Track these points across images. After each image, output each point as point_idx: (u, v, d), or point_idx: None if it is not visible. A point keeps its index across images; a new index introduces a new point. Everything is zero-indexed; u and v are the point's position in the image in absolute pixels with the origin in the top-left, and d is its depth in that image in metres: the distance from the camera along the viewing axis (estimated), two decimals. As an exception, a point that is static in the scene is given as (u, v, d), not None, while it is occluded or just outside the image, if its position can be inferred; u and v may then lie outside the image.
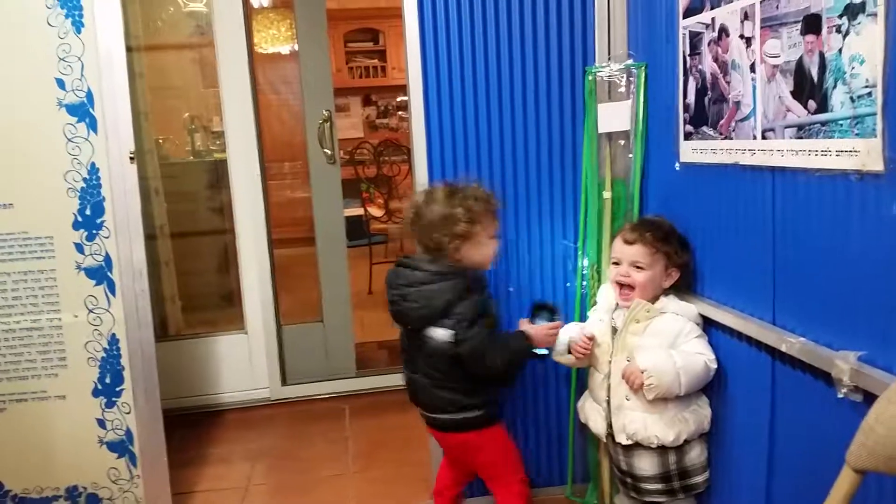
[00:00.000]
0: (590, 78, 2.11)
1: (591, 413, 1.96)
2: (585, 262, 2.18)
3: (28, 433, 2.19)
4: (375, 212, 5.47)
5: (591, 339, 1.91)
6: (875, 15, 1.15)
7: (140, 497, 2.26)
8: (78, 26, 2.06)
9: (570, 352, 1.95)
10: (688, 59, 1.77)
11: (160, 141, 3.59)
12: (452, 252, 1.81)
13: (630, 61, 2.07)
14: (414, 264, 1.85)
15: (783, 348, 1.46)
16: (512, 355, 1.85)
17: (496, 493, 1.99)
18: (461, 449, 1.98)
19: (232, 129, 3.21)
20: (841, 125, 1.26)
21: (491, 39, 2.11)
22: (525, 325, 1.93)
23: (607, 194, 2.13)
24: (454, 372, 1.83)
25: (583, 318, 2.17)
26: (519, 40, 2.12)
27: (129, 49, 2.14)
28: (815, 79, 1.32)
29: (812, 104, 1.33)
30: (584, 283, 2.19)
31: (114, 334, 2.19)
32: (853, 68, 1.22)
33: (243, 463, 2.77)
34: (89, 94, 2.08)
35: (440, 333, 1.80)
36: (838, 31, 1.24)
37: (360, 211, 5.49)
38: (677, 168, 1.88)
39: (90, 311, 2.17)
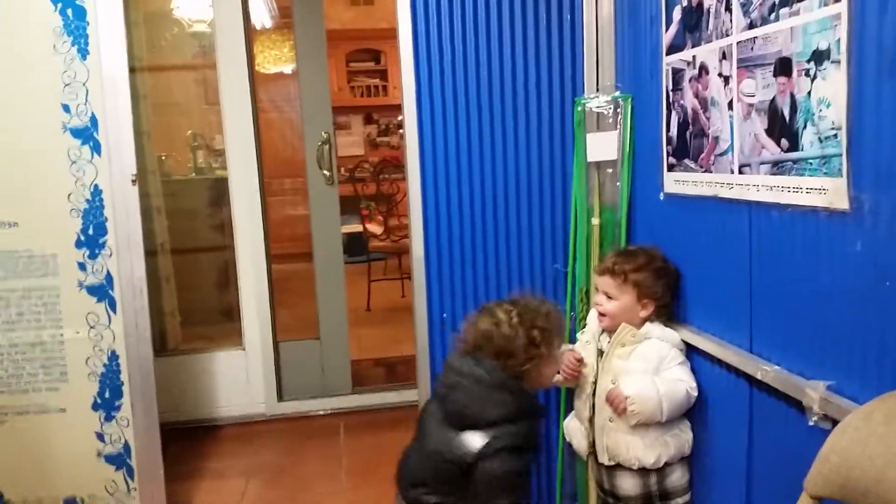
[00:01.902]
0: (579, 108, 2.18)
1: (575, 432, 2.02)
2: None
3: (29, 445, 2.24)
4: (375, 229, 5.53)
5: (580, 360, 1.97)
6: (839, 62, 1.22)
7: (137, 510, 2.31)
8: (83, 53, 2.12)
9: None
10: (671, 93, 1.84)
11: (163, 158, 3.65)
12: (527, 376, 1.67)
13: (617, 93, 2.14)
14: (481, 361, 1.66)
15: (759, 376, 1.51)
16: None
17: None
18: None
19: (233, 147, 3.28)
20: (811, 164, 1.32)
21: (483, 69, 2.18)
22: None
23: (596, 221, 2.19)
24: (454, 481, 1.66)
25: (572, 339, 2.22)
26: (510, 71, 2.18)
27: (132, 70, 2.21)
28: (787, 118, 1.38)
29: (784, 142, 1.39)
30: (574, 306, 2.25)
31: (114, 350, 2.24)
32: (821, 111, 1.28)
33: (238, 478, 2.81)
34: (93, 119, 2.15)
35: (473, 440, 1.62)
36: (807, 74, 1.31)
37: (359, 228, 5.55)
38: (661, 198, 1.94)
39: (91, 327, 2.22)
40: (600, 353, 1.94)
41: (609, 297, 1.88)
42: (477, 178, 2.22)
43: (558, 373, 1.89)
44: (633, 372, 1.83)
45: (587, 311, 2.15)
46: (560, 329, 1.75)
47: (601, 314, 1.90)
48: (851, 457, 0.95)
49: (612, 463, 1.86)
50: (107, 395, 2.25)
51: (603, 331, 1.95)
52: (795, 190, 1.37)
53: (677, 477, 1.87)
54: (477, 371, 1.65)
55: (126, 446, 2.28)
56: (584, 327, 2.12)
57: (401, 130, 2.22)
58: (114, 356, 2.24)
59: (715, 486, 1.80)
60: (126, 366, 2.24)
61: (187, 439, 3.15)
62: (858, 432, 0.96)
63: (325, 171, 3.35)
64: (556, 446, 2.33)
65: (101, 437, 2.27)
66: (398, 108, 2.22)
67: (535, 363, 1.67)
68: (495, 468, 1.61)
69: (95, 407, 2.25)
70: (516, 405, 1.64)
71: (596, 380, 1.92)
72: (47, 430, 2.24)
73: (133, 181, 2.17)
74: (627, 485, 1.87)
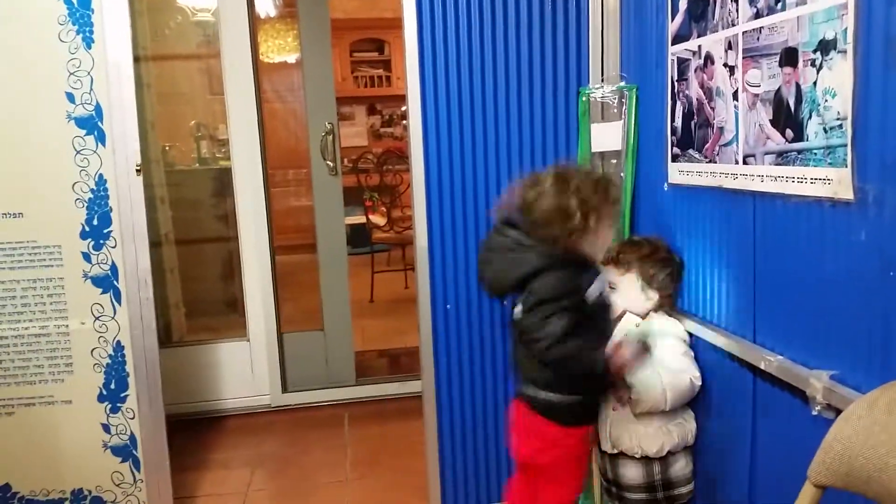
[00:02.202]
0: (583, 98, 2.17)
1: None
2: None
3: (35, 437, 2.25)
4: (378, 220, 5.53)
5: None
6: (845, 52, 1.21)
7: (143, 501, 2.32)
8: (88, 42, 2.12)
9: None
10: (675, 84, 1.83)
11: (167, 148, 3.65)
12: (567, 246, 1.60)
13: (622, 83, 2.14)
14: (502, 230, 1.66)
15: (762, 366, 1.51)
16: (576, 360, 1.59)
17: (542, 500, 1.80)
18: (535, 438, 1.75)
19: (236, 137, 3.28)
20: (815, 154, 1.32)
21: (488, 59, 2.17)
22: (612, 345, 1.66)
23: (600, 211, 2.18)
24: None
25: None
26: (515, 60, 2.18)
27: (137, 59, 2.20)
28: (792, 109, 1.37)
29: (789, 133, 1.39)
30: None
31: (119, 341, 2.25)
32: (826, 101, 1.28)
33: (243, 469, 2.82)
34: (98, 108, 2.15)
35: (517, 310, 1.64)
36: (813, 64, 1.30)
37: (362, 219, 5.55)
38: (665, 188, 1.94)
39: (96, 318, 2.23)
40: (605, 343, 1.94)
41: (612, 287, 1.88)
42: (481, 168, 2.21)
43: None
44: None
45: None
46: (609, 199, 1.63)
47: None
48: (854, 445, 0.96)
49: (616, 451, 1.87)
50: (112, 386, 2.26)
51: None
52: (800, 180, 1.37)
53: (680, 466, 1.88)
54: (500, 240, 1.64)
55: (132, 438, 2.29)
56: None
57: (404, 121, 2.22)
58: (119, 347, 2.25)
59: (718, 475, 1.81)
60: (131, 357, 2.25)
61: (193, 430, 3.17)
62: (862, 421, 0.96)
63: (329, 162, 3.34)
64: (560, 436, 2.34)
65: (106, 428, 2.28)
66: (402, 99, 2.21)
67: (580, 234, 1.59)
68: (528, 323, 1.59)
69: (101, 398, 2.26)
70: (546, 258, 1.58)
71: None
72: (54, 421, 2.25)
73: (137, 171, 2.18)
74: (631, 473, 1.88)
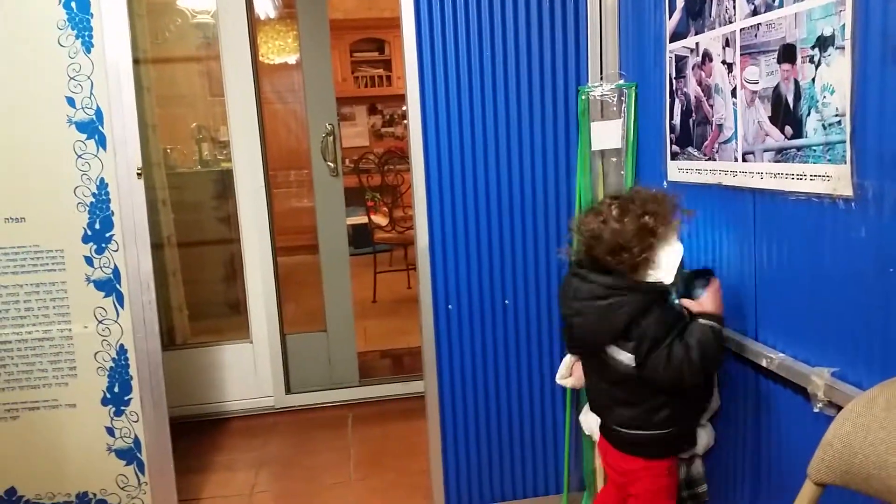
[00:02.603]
0: (583, 97, 2.17)
1: (595, 426, 2.01)
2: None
3: (40, 440, 2.26)
4: (380, 221, 5.54)
5: None
6: (843, 48, 1.21)
7: (147, 503, 2.32)
8: (88, 46, 2.13)
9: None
10: (674, 81, 1.83)
11: (168, 150, 3.66)
12: (646, 264, 1.58)
13: (621, 81, 2.14)
14: (584, 274, 1.62)
15: (764, 363, 1.51)
16: (703, 350, 1.54)
17: None
18: (625, 475, 1.77)
19: (237, 138, 3.28)
20: (814, 151, 1.32)
21: (487, 58, 2.17)
22: (688, 303, 1.64)
23: (600, 210, 2.18)
24: (642, 392, 1.64)
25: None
26: (514, 60, 2.17)
27: (137, 62, 2.21)
28: (791, 105, 1.37)
29: (788, 129, 1.39)
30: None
31: (122, 344, 2.25)
32: (825, 97, 1.28)
33: (248, 470, 2.83)
34: (98, 112, 2.15)
35: (623, 356, 1.61)
36: (811, 61, 1.30)
37: (364, 219, 5.55)
38: (665, 186, 1.93)
39: (99, 321, 2.23)
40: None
41: None
42: (481, 167, 2.21)
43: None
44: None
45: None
46: (672, 207, 1.60)
47: None
48: (854, 443, 0.96)
49: None
50: (116, 389, 2.27)
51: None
52: (799, 177, 1.37)
53: (698, 465, 1.87)
54: (587, 287, 1.60)
55: (136, 441, 2.30)
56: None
57: (405, 121, 2.22)
58: (122, 350, 2.26)
59: (721, 473, 1.81)
60: (135, 360, 2.25)
61: (197, 433, 3.17)
62: (861, 419, 0.96)
63: (330, 163, 3.35)
64: (563, 435, 2.34)
65: (110, 431, 2.29)
66: (402, 99, 2.21)
67: (651, 251, 1.56)
68: (659, 371, 1.55)
69: (105, 402, 2.27)
70: (640, 299, 1.56)
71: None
72: (58, 425, 2.26)
73: (139, 174, 2.18)
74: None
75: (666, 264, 1.59)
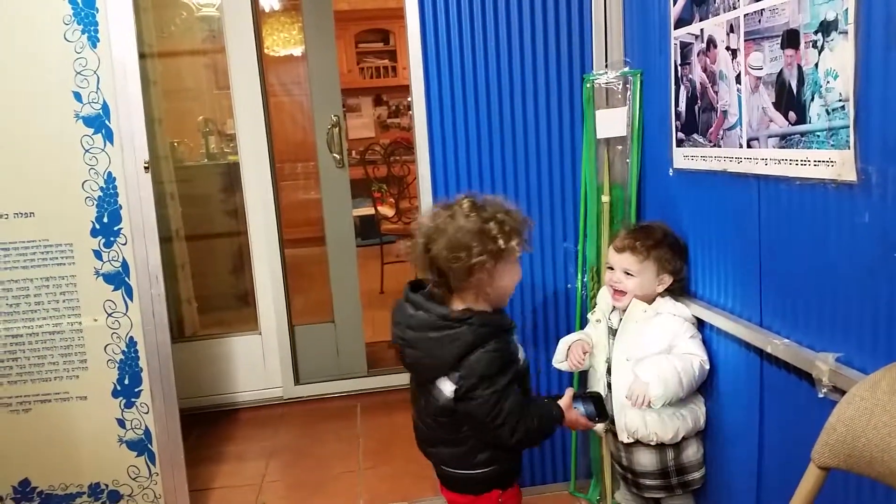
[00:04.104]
0: (588, 85, 2.17)
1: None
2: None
3: (52, 432, 2.29)
4: (387, 212, 5.54)
5: (587, 353, 1.98)
6: (846, 32, 1.21)
7: (159, 494, 2.35)
8: (94, 41, 2.14)
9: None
10: (679, 68, 1.83)
11: (175, 144, 3.67)
12: (479, 277, 1.52)
13: (626, 69, 2.13)
14: (419, 302, 1.57)
15: (769, 349, 1.51)
16: (538, 428, 1.56)
17: None
18: None
19: (243, 131, 3.29)
20: (818, 136, 1.32)
21: (491, 47, 2.17)
22: (566, 401, 1.65)
23: (605, 198, 2.18)
24: (459, 429, 1.60)
25: (583, 318, 2.24)
26: (518, 48, 2.18)
27: (142, 56, 2.22)
28: (795, 91, 1.37)
29: (792, 115, 1.39)
30: (584, 284, 2.26)
31: (132, 337, 2.27)
32: (828, 82, 1.27)
33: (258, 460, 2.85)
34: (105, 107, 2.16)
35: (445, 387, 1.54)
36: (814, 46, 1.30)
37: (371, 210, 5.56)
38: (671, 174, 1.93)
39: (109, 314, 2.25)
40: (612, 331, 1.94)
41: (629, 275, 1.87)
42: (486, 157, 2.22)
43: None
44: (647, 349, 1.84)
45: (597, 290, 2.15)
46: (521, 229, 1.56)
47: (620, 292, 1.89)
48: (857, 426, 0.96)
49: (631, 440, 1.87)
50: (126, 381, 2.29)
51: (613, 309, 1.96)
52: (803, 163, 1.37)
53: (692, 451, 1.88)
54: (419, 317, 1.54)
55: (147, 432, 2.32)
56: (594, 306, 2.12)
57: (411, 111, 2.22)
58: (132, 343, 2.27)
59: (727, 459, 1.82)
60: (144, 352, 2.27)
61: (207, 424, 3.20)
62: (864, 402, 0.96)
63: (336, 154, 3.35)
64: (571, 423, 2.35)
65: (121, 423, 2.31)
66: (408, 89, 2.22)
67: (489, 260, 1.50)
68: (473, 407, 1.51)
69: (115, 394, 2.29)
70: (473, 334, 1.50)
71: (609, 358, 1.93)
72: (69, 417, 2.28)
73: (146, 168, 2.19)
74: (645, 460, 1.89)
75: (508, 283, 1.57)
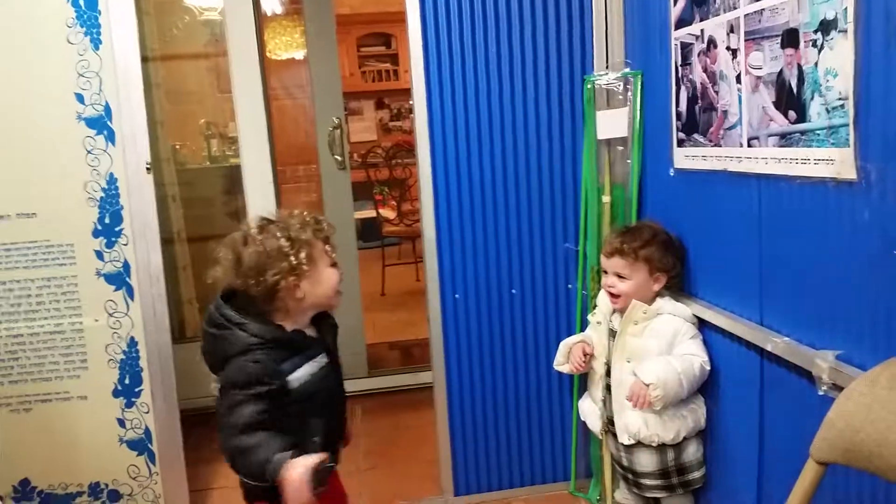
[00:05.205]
0: (588, 86, 2.18)
1: (589, 413, 2.03)
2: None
3: (52, 432, 2.29)
4: (388, 214, 5.55)
5: (588, 355, 1.98)
6: (846, 31, 1.22)
7: (159, 493, 2.35)
8: (96, 43, 2.14)
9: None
10: (679, 68, 1.83)
11: (177, 147, 3.68)
12: (287, 294, 1.47)
13: (627, 70, 2.14)
14: (218, 302, 1.51)
15: (769, 348, 1.52)
16: (244, 454, 1.41)
17: None
18: None
19: (245, 134, 3.29)
20: (818, 135, 1.32)
21: (492, 50, 2.18)
22: (300, 465, 1.36)
23: (606, 199, 2.19)
24: None
25: (583, 319, 2.24)
26: (519, 50, 2.18)
27: (145, 59, 2.23)
28: (795, 90, 1.38)
29: (792, 114, 1.39)
30: (585, 285, 2.26)
31: (132, 337, 2.27)
32: (828, 81, 1.28)
33: (258, 461, 2.85)
34: (107, 108, 2.17)
35: (215, 384, 1.50)
36: (814, 45, 1.30)
37: (372, 213, 5.57)
38: (672, 174, 1.94)
39: (110, 315, 2.26)
40: (612, 333, 1.95)
41: (621, 278, 1.88)
42: (487, 159, 2.22)
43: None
44: (648, 350, 1.84)
45: (598, 291, 2.15)
46: (320, 237, 1.52)
47: (615, 296, 1.90)
48: (856, 421, 0.96)
49: (632, 441, 1.87)
50: (127, 381, 2.29)
51: (614, 310, 1.96)
52: (803, 161, 1.37)
53: (692, 451, 1.88)
54: (212, 314, 1.49)
55: (147, 432, 2.32)
56: (594, 308, 2.12)
57: (412, 114, 2.23)
58: (133, 343, 2.28)
59: (728, 457, 1.82)
60: (145, 352, 2.27)
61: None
62: (863, 397, 0.97)
63: (337, 157, 3.36)
64: (570, 423, 2.35)
65: (122, 423, 2.31)
66: (410, 93, 2.22)
67: (290, 278, 1.45)
68: (218, 404, 1.45)
69: (116, 394, 2.29)
70: (240, 340, 1.44)
71: (609, 360, 1.93)
72: (70, 417, 2.29)
73: (147, 169, 2.20)
74: (645, 461, 1.89)
75: (323, 289, 1.51)
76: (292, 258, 1.45)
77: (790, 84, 1.39)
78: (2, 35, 2.11)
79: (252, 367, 1.42)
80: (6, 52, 2.11)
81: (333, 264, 1.54)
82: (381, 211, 5.56)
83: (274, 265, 1.44)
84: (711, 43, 1.66)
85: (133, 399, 2.30)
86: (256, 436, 1.40)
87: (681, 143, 1.87)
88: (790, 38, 1.37)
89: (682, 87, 1.83)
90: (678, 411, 1.84)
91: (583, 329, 2.22)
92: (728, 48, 1.59)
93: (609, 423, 1.95)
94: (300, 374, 1.49)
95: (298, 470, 1.34)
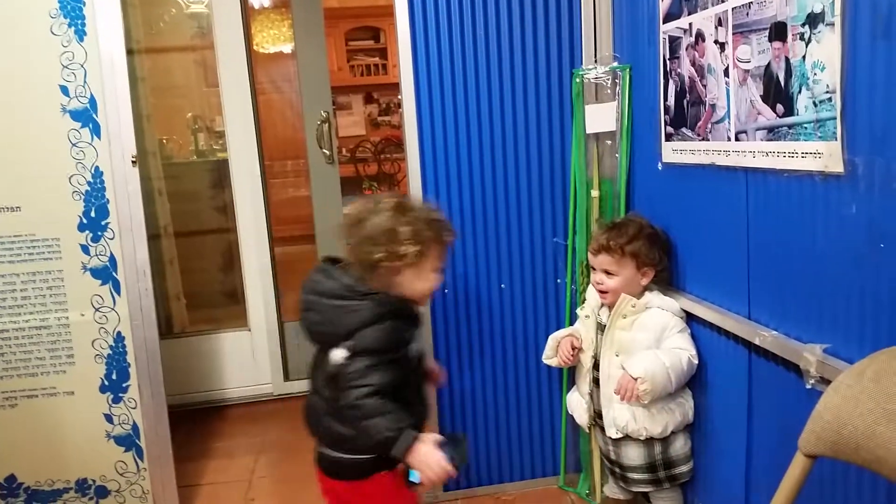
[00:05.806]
0: (577, 80, 2.17)
1: (576, 406, 2.04)
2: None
3: (39, 428, 2.27)
4: (377, 209, 5.53)
5: (576, 349, 1.98)
6: (833, 24, 1.22)
7: (147, 489, 2.34)
8: (80, 35, 2.12)
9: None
10: (668, 62, 1.83)
11: (164, 141, 3.66)
12: (386, 274, 1.53)
13: (615, 63, 2.13)
14: (330, 271, 1.57)
15: (757, 342, 1.52)
16: (372, 414, 1.47)
17: None
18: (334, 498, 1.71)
19: (232, 128, 3.28)
20: (805, 128, 1.32)
21: (480, 44, 2.17)
22: (429, 435, 1.51)
23: (595, 193, 2.19)
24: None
25: (572, 313, 2.24)
26: (507, 44, 2.18)
27: (130, 52, 2.20)
28: (782, 83, 1.38)
29: (780, 108, 1.39)
30: (574, 279, 2.26)
31: (119, 332, 2.26)
32: (815, 74, 1.28)
33: (247, 456, 2.84)
34: (92, 101, 2.15)
35: (336, 354, 1.51)
36: (802, 38, 1.30)
37: (362, 208, 5.55)
38: (660, 168, 1.94)
39: (96, 309, 2.24)
40: (601, 327, 1.95)
41: (609, 274, 1.88)
42: (476, 153, 2.22)
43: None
44: (636, 343, 1.85)
45: (587, 285, 2.15)
46: (441, 242, 1.58)
47: (603, 292, 1.91)
48: (843, 414, 0.97)
49: (621, 435, 1.88)
50: (114, 376, 2.27)
51: (602, 304, 1.96)
52: (791, 155, 1.37)
53: (680, 445, 1.89)
54: (329, 285, 1.54)
55: (134, 427, 2.31)
56: (583, 302, 2.12)
57: (401, 109, 2.22)
58: (119, 338, 2.26)
59: (716, 451, 1.82)
60: (132, 347, 2.26)
61: (196, 420, 3.19)
62: (850, 390, 0.97)
63: (325, 151, 3.35)
64: (560, 417, 2.35)
65: (109, 418, 2.29)
66: (398, 87, 2.21)
67: (394, 261, 1.51)
68: (344, 369, 1.49)
69: (103, 389, 2.28)
70: (374, 309, 1.49)
71: (597, 354, 1.94)
72: (57, 412, 2.27)
73: (133, 162, 2.18)
74: (632, 454, 1.89)
75: (417, 289, 1.57)
76: (402, 248, 1.51)
77: (778, 77, 1.39)
78: (-16, 27, 2.08)
79: (388, 335, 1.50)
80: (-11, 44, 2.09)
81: (438, 270, 1.60)
82: (370, 205, 5.54)
83: (386, 246, 1.51)
84: (699, 36, 1.66)
85: (120, 394, 2.28)
86: (388, 404, 1.48)
87: (669, 138, 1.87)
88: (778, 32, 1.37)
89: (671, 81, 1.83)
90: (666, 405, 1.84)
91: (572, 323, 2.22)
92: (716, 42, 1.59)
93: (597, 417, 1.96)
94: (414, 347, 1.59)
95: (430, 446, 1.46)
